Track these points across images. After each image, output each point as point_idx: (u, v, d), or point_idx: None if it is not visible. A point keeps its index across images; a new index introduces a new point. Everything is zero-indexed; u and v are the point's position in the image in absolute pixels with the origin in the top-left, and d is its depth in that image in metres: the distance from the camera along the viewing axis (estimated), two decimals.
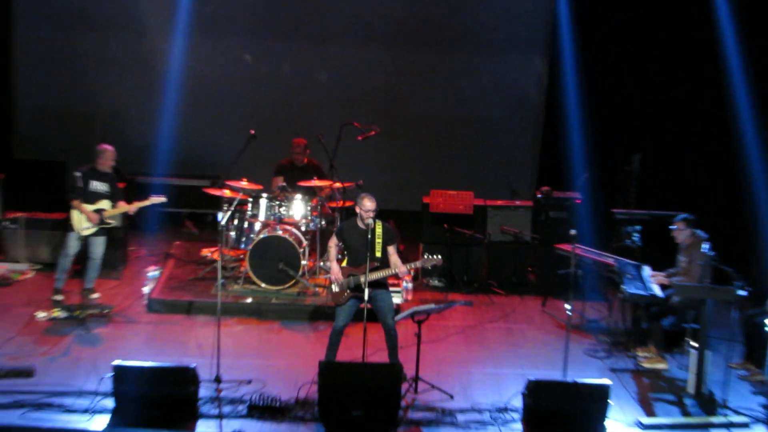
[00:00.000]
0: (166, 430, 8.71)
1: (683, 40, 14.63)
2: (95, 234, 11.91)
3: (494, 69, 15.80)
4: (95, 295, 12.10)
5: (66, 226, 11.99)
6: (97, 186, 11.86)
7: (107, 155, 11.89)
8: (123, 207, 11.94)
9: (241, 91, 16.02)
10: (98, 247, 11.97)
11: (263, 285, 12.53)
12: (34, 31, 15.51)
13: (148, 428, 8.96)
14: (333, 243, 10.62)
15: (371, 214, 10.23)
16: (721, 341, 11.20)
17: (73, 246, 11.92)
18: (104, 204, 11.85)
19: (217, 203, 13.21)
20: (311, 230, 12.91)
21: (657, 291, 11.09)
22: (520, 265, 13.60)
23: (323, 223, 12.98)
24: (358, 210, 10.33)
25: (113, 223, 11.98)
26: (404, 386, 9.89)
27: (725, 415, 9.95)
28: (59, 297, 12.04)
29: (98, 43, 15.76)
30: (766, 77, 13.16)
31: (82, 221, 11.84)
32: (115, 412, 9.44)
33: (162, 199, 12.35)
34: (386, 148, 15.29)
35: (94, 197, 11.84)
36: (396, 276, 10.75)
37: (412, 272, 11.36)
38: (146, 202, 12.21)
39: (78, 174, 11.86)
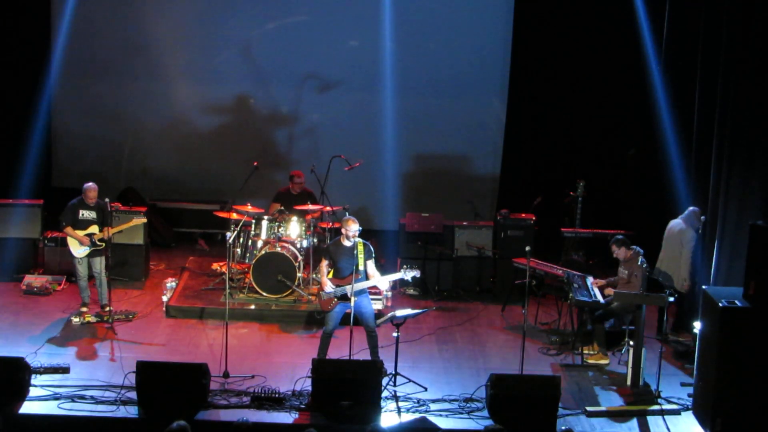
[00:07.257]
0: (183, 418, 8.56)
1: (617, 86, 14.68)
2: (92, 255, 11.72)
3: (461, 111, 15.74)
4: (108, 309, 11.75)
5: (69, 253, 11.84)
6: (86, 215, 11.69)
7: (89, 192, 11.68)
8: (110, 230, 11.74)
9: (246, 130, 15.92)
10: (98, 265, 11.74)
11: (264, 294, 12.42)
12: (69, 79, 15.34)
13: (166, 417, 8.84)
14: (324, 263, 10.52)
15: (355, 234, 10.17)
16: (654, 340, 11.19)
17: (79, 269, 11.74)
18: (93, 229, 11.68)
19: (226, 224, 13.12)
20: (305, 247, 12.83)
21: (600, 297, 11.07)
22: (483, 276, 13.52)
23: (315, 241, 12.91)
24: (343, 230, 10.25)
25: (103, 245, 11.75)
26: (385, 380, 9.80)
27: (659, 404, 9.90)
28: (88, 308, 11.89)
29: (126, 89, 15.61)
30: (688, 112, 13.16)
31: (76, 245, 11.67)
32: (138, 403, 9.36)
33: (143, 220, 12.38)
34: (369, 177, 15.21)
35: (84, 224, 11.67)
36: (376, 286, 10.71)
37: (391, 283, 11.27)
38: (129, 224, 12.20)
39: (69, 205, 11.76)
